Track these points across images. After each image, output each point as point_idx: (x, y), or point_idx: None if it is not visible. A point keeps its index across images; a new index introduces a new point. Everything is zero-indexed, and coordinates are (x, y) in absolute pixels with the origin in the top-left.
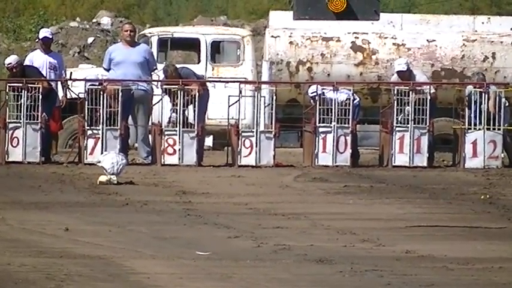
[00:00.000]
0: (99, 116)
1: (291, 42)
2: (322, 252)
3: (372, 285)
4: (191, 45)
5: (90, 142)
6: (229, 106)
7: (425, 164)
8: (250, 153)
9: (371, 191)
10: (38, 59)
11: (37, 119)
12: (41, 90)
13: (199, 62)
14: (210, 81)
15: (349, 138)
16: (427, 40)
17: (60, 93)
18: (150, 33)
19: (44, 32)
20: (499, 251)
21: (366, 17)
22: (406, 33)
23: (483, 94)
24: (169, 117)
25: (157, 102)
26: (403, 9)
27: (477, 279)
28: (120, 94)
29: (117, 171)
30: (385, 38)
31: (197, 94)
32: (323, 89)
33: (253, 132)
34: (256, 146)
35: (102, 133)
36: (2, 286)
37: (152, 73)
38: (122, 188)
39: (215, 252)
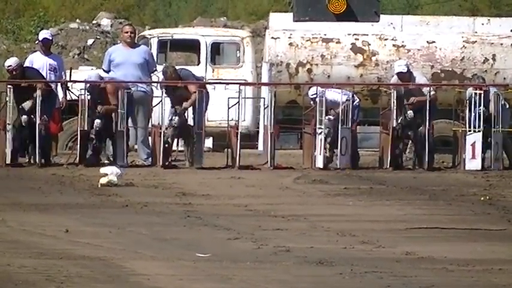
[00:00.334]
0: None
1: (290, 44)
2: (322, 254)
3: (371, 287)
4: (191, 46)
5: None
6: (229, 108)
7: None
8: None
9: (371, 193)
10: (37, 60)
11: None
12: (40, 93)
13: (199, 63)
14: (209, 83)
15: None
16: (427, 41)
17: (60, 95)
18: (149, 34)
19: (44, 34)
20: (499, 253)
21: (365, 19)
22: (406, 34)
23: (482, 96)
24: (170, 120)
25: (157, 104)
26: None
27: (477, 280)
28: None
29: (117, 175)
30: (385, 39)
31: (196, 97)
32: (323, 91)
33: None
34: None
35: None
36: (2, 287)
37: (152, 74)
38: (122, 189)
39: (215, 254)
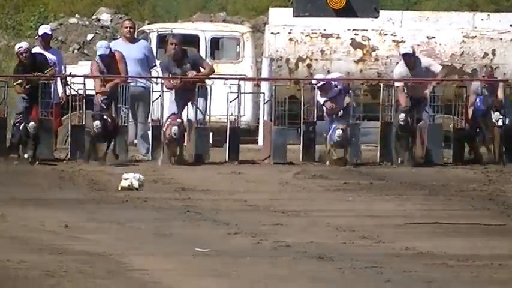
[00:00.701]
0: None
1: (290, 39)
2: (321, 249)
3: (371, 282)
4: (190, 41)
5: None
6: (228, 103)
7: None
8: None
9: (370, 188)
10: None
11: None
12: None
13: None
14: (209, 78)
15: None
16: (427, 37)
17: (60, 90)
18: (149, 29)
19: (44, 29)
20: (499, 248)
21: (365, 14)
22: (405, 30)
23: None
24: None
25: (157, 99)
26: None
27: (477, 276)
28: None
29: (139, 180)
30: (385, 34)
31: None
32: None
33: None
34: None
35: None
36: (1, 283)
37: (151, 70)
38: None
39: (214, 249)
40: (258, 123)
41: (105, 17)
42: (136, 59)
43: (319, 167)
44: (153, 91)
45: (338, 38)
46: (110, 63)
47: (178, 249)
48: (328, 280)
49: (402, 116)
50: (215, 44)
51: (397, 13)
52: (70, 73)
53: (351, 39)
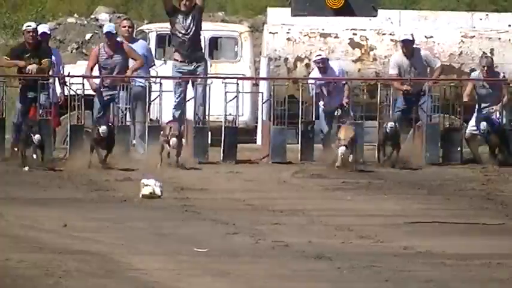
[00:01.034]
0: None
1: (288, 39)
2: (320, 249)
3: (370, 282)
4: None
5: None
6: (226, 102)
7: None
8: None
9: (369, 187)
10: None
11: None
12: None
13: None
14: (208, 78)
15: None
16: (425, 36)
17: (58, 90)
18: (148, 29)
19: (42, 28)
20: (497, 247)
21: (363, 14)
22: (404, 29)
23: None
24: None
25: (155, 99)
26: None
27: (475, 275)
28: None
29: (160, 187)
30: (383, 34)
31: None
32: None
33: None
34: None
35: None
36: (1, 282)
37: (150, 69)
38: (120, 184)
39: (213, 249)
40: (257, 122)
41: (103, 16)
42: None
43: (318, 167)
44: (151, 91)
45: (336, 37)
46: (115, 46)
47: (176, 248)
48: (326, 280)
49: (391, 124)
50: (214, 43)
51: (395, 12)
52: (69, 73)
53: (349, 38)
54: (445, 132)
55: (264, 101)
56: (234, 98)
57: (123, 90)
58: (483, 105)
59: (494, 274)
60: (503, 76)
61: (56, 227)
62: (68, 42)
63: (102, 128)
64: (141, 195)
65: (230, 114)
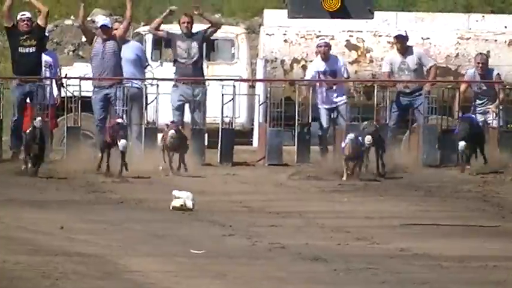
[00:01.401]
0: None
1: (285, 40)
2: (316, 251)
3: (366, 283)
4: None
5: None
6: (223, 104)
7: None
8: None
9: (366, 189)
10: None
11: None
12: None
13: None
14: (204, 80)
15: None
16: (422, 38)
17: (55, 92)
18: (144, 31)
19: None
20: (494, 249)
21: (360, 16)
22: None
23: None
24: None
25: (152, 101)
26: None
27: (472, 277)
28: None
29: (192, 200)
30: (380, 36)
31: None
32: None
33: None
34: None
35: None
36: None
37: (145, 70)
38: (117, 186)
39: (210, 250)
40: (253, 124)
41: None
42: (129, 60)
43: (314, 168)
44: (147, 93)
45: (333, 39)
46: (109, 40)
47: (173, 250)
48: (323, 281)
49: (369, 138)
50: (210, 45)
51: (392, 14)
52: (66, 75)
53: (346, 40)
54: (442, 133)
55: (260, 103)
56: (230, 100)
57: (119, 88)
58: (478, 101)
59: (491, 276)
60: (498, 74)
61: (52, 229)
62: (64, 44)
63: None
64: (171, 207)
65: (227, 116)
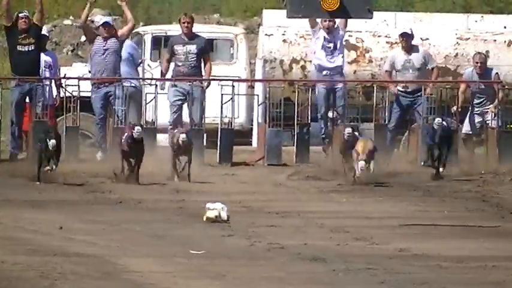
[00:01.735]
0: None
1: (284, 40)
2: (315, 251)
3: (365, 284)
4: None
5: None
6: (222, 104)
7: None
8: None
9: (364, 190)
10: None
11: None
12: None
13: None
14: (203, 80)
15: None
16: (421, 38)
17: (54, 92)
18: (143, 31)
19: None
20: (493, 250)
21: (359, 16)
22: (399, 31)
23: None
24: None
25: (151, 101)
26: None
27: (471, 277)
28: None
29: (226, 212)
30: (379, 36)
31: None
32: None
33: None
34: None
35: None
36: None
37: (145, 71)
38: (116, 186)
39: (209, 251)
40: (252, 124)
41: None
42: (123, 59)
43: (313, 169)
44: (146, 93)
45: None
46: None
47: (172, 251)
48: (322, 282)
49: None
50: (209, 45)
51: (391, 14)
52: (65, 75)
53: (345, 40)
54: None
55: (259, 103)
56: (229, 100)
57: (118, 87)
58: (477, 101)
59: (490, 276)
60: (496, 73)
61: (51, 229)
62: (63, 44)
63: (137, 128)
64: (204, 219)
65: (226, 116)
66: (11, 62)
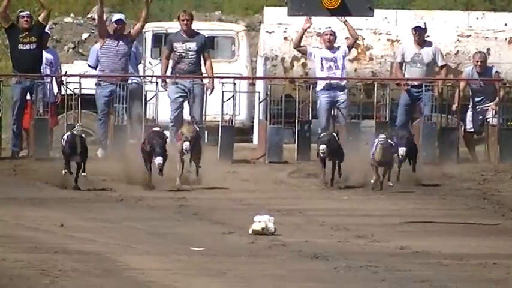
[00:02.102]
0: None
1: (285, 38)
2: (316, 248)
3: (366, 281)
4: None
5: None
6: (223, 102)
7: None
8: None
9: (365, 187)
10: None
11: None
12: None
13: None
14: (204, 77)
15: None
16: None
17: (55, 90)
18: (144, 28)
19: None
20: (493, 247)
21: (360, 13)
22: (400, 29)
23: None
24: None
25: (152, 98)
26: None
27: (471, 275)
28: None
29: (273, 224)
30: (380, 34)
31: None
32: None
33: None
34: None
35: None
36: None
37: (146, 69)
38: (116, 184)
39: (210, 248)
40: (253, 122)
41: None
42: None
43: (314, 166)
44: (146, 90)
45: None
46: (123, 39)
47: (173, 248)
48: (323, 279)
49: (323, 147)
50: (210, 43)
51: (392, 12)
52: (66, 72)
53: (346, 38)
54: (442, 131)
55: (260, 100)
56: (230, 98)
57: (120, 87)
58: (476, 99)
59: (490, 274)
60: (496, 72)
61: (52, 227)
62: (64, 42)
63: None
64: (250, 231)
65: (227, 114)
66: (13, 60)
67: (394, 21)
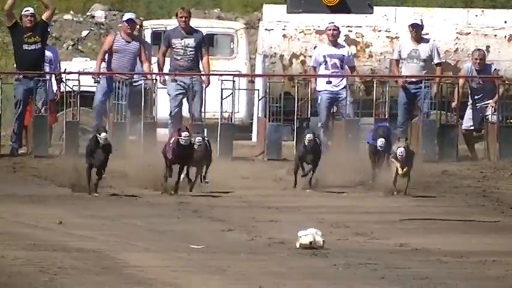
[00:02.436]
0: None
1: (284, 35)
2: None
3: (365, 279)
4: None
5: None
6: (222, 99)
7: None
8: None
9: (365, 184)
10: None
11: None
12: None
13: None
14: (203, 75)
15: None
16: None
17: (55, 87)
18: (144, 26)
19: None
20: (493, 245)
21: (359, 10)
22: (399, 26)
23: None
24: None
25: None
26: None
27: (471, 272)
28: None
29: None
30: (379, 31)
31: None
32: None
33: None
34: None
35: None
36: None
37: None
38: (116, 181)
39: (209, 246)
40: (252, 119)
41: (99, 13)
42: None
43: None
44: (145, 88)
45: None
46: (134, 40)
47: (172, 245)
48: (322, 277)
49: (309, 136)
50: (209, 40)
51: (391, 9)
52: (65, 70)
53: (345, 35)
54: (441, 129)
55: (259, 97)
56: (230, 95)
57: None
58: (476, 97)
59: (490, 271)
60: (495, 69)
61: (51, 224)
62: (64, 39)
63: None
64: (298, 245)
65: (226, 111)
66: (16, 60)
67: (393, 18)
